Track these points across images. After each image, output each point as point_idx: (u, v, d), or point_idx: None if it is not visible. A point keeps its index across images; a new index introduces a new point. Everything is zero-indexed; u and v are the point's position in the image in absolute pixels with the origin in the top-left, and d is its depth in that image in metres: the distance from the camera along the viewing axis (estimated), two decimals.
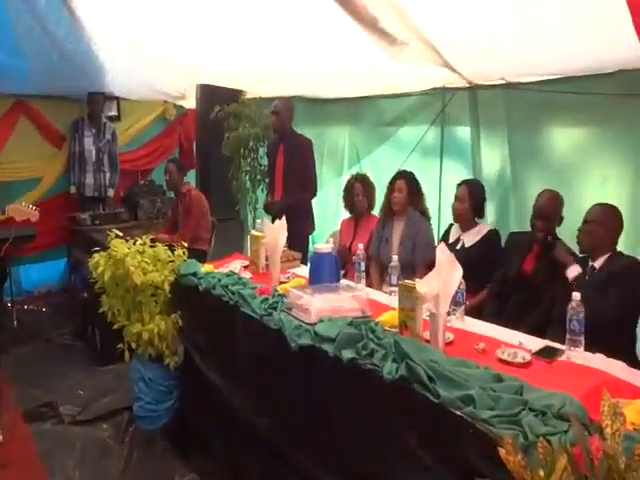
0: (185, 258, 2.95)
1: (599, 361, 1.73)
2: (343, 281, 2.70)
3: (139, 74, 4.90)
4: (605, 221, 2.37)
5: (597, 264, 2.38)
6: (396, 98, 4.26)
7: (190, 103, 5.82)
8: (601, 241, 2.38)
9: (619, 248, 2.45)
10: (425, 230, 3.39)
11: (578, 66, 2.90)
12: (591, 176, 2.94)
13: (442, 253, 1.97)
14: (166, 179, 4.45)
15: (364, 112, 4.61)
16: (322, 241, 3.86)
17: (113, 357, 3.07)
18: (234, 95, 5.23)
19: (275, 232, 2.79)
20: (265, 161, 4.65)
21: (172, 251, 2.94)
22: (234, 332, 2.42)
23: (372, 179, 3.79)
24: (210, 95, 5.23)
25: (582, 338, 1.78)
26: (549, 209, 2.65)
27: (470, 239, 3.05)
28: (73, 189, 5.22)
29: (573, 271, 2.42)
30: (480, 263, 2.87)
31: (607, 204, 2.41)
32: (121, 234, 2.91)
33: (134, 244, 2.84)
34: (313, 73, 4.30)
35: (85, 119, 5.24)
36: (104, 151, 5.28)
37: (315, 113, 5.04)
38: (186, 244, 3.05)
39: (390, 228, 3.45)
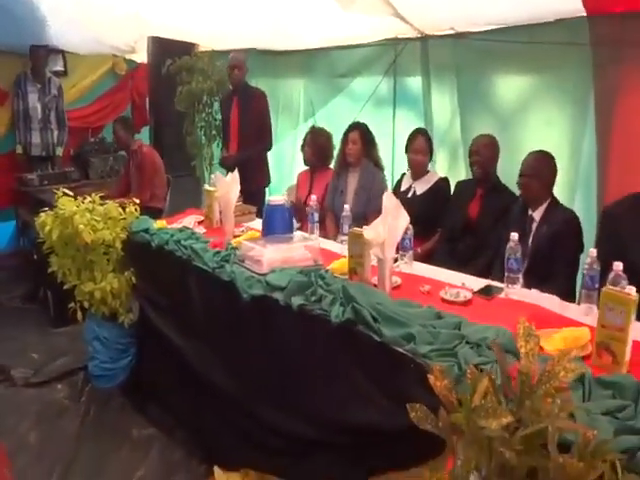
0: (137, 215, 2.91)
1: (534, 296, 1.83)
2: (298, 233, 2.73)
3: (85, 27, 4.64)
4: (539, 172, 2.43)
5: (536, 215, 2.46)
6: (349, 49, 4.20)
7: (141, 57, 5.58)
8: (537, 193, 2.45)
9: (559, 192, 2.54)
10: (379, 181, 3.42)
11: (521, 16, 2.94)
12: (535, 121, 3.01)
13: (388, 200, 2.01)
14: (114, 139, 4.32)
15: (318, 64, 4.54)
16: (279, 194, 3.85)
17: (66, 319, 3.03)
18: (187, 48, 5.04)
19: (227, 186, 2.77)
20: (220, 116, 4.55)
21: (124, 208, 2.89)
22: (188, 287, 2.43)
23: (328, 131, 3.76)
24: (162, 48, 5.03)
25: (520, 276, 1.87)
26: (483, 150, 2.76)
27: (421, 187, 3.10)
28: (19, 148, 4.98)
29: None
30: (431, 210, 2.95)
31: (540, 152, 2.47)
32: (71, 193, 2.83)
33: (83, 202, 2.78)
34: (266, 25, 4.19)
35: (28, 74, 4.96)
36: (50, 107, 5.03)
37: (269, 66, 4.92)
38: (138, 201, 2.99)
39: (345, 179, 3.46)
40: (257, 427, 2.05)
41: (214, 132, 4.75)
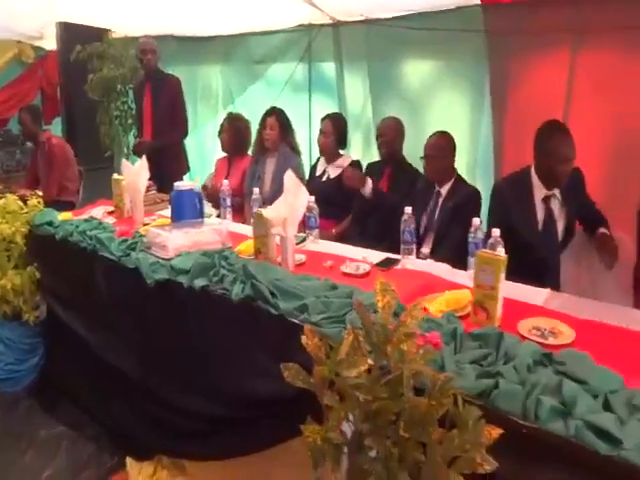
0: (41, 208, 2.78)
1: (427, 265, 1.92)
2: (213, 218, 2.71)
3: None
4: (441, 153, 2.58)
5: (443, 190, 2.60)
6: (265, 36, 4.21)
7: (51, 44, 5.30)
8: (442, 172, 2.61)
9: (462, 171, 2.68)
10: (296, 165, 3.44)
11: (426, 3, 3.05)
12: (438, 105, 3.15)
13: (288, 179, 2.04)
14: (21, 129, 4.09)
15: (235, 50, 4.52)
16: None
17: None
18: (99, 34, 4.83)
19: (135, 173, 2.70)
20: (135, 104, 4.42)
21: (25, 202, 2.76)
22: (94, 278, 2.35)
23: (247, 117, 3.75)
24: (72, 35, 4.79)
25: (414, 247, 1.96)
26: (389, 131, 2.89)
27: (334, 170, 3.17)
28: None
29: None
30: (344, 192, 3.02)
31: (441, 133, 2.61)
32: None
33: None
34: (182, 11, 4.10)
35: None
36: None
37: (187, 52, 4.84)
38: (47, 196, 2.86)
39: (263, 165, 3.48)
40: (166, 412, 2.03)
41: (130, 121, 4.60)
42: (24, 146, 4.82)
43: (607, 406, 1.08)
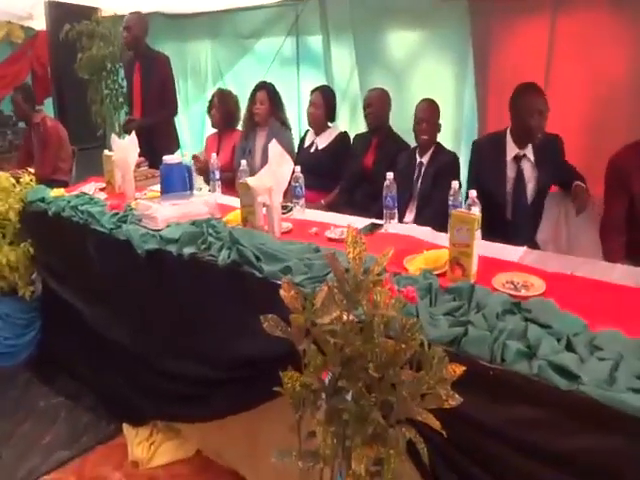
0: (33, 185, 2.82)
1: (410, 229, 1.98)
2: (203, 191, 2.75)
3: None
4: (431, 118, 2.62)
5: (425, 159, 2.64)
6: (252, 10, 4.19)
7: (40, 24, 5.26)
8: (430, 138, 2.63)
9: (447, 139, 2.71)
10: (286, 139, 3.47)
11: None
12: (423, 74, 3.17)
13: (272, 149, 2.08)
14: (14, 110, 4.10)
15: (223, 26, 4.50)
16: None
17: None
18: (88, 13, 4.81)
19: (125, 149, 2.73)
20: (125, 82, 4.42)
21: (18, 180, 2.80)
22: (87, 251, 2.39)
23: (236, 93, 3.76)
24: (61, 14, 4.77)
25: (396, 211, 2.01)
26: (376, 102, 2.91)
27: (323, 142, 3.20)
28: None
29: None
30: (333, 163, 3.06)
31: (429, 100, 2.64)
32: None
33: None
34: None
35: None
36: None
37: (175, 29, 4.82)
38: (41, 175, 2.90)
39: (253, 139, 3.50)
40: (160, 379, 2.08)
41: (121, 100, 4.61)
42: (16, 127, 4.82)
43: (569, 347, 1.14)
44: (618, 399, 0.99)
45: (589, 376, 1.05)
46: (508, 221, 2.28)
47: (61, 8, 4.76)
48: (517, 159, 2.34)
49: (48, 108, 4.94)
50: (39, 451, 2.26)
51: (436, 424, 1.01)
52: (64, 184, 3.81)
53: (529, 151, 2.34)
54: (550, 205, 2.41)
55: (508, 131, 2.37)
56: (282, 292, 1.14)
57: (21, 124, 4.66)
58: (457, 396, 1.00)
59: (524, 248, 1.77)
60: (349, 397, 1.07)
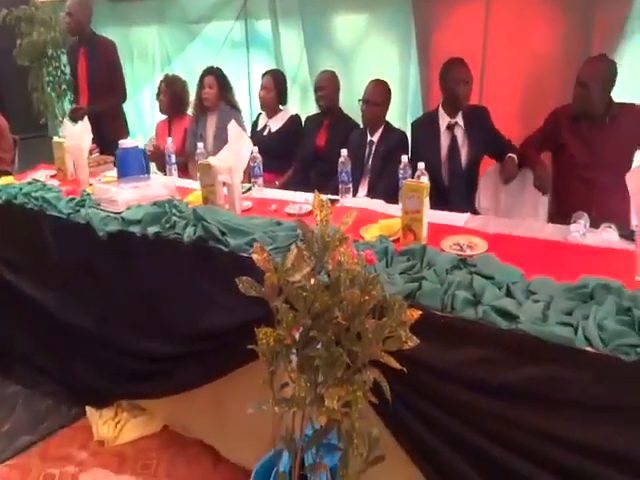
0: None
1: (363, 202, 2.11)
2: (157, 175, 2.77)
3: None
4: (380, 99, 2.76)
5: (375, 138, 2.78)
6: None
7: None
8: (378, 117, 2.79)
9: (394, 118, 2.86)
10: (237, 122, 3.51)
11: None
12: (369, 56, 3.30)
13: (232, 130, 2.14)
14: None
15: (169, 10, 4.45)
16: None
17: None
18: None
19: (77, 135, 2.70)
20: (69, 69, 4.31)
21: None
22: (43, 238, 2.36)
23: (184, 78, 3.76)
24: None
25: (350, 186, 2.13)
26: (327, 84, 3.04)
27: (275, 124, 3.28)
28: None
29: None
30: (285, 145, 3.15)
31: (379, 80, 2.77)
32: None
33: None
34: None
35: None
36: None
37: (119, 13, 4.70)
38: None
39: (204, 124, 3.53)
40: (127, 359, 2.12)
41: (64, 87, 4.50)
42: None
43: (509, 293, 1.30)
44: (549, 331, 1.15)
45: (526, 316, 1.21)
46: (445, 187, 2.50)
47: None
48: (450, 128, 2.59)
49: None
50: None
51: (396, 365, 1.14)
52: (6, 175, 3.71)
53: (460, 119, 2.60)
54: (489, 176, 2.62)
55: (440, 106, 2.64)
56: (255, 255, 1.24)
57: None
58: (415, 338, 1.13)
59: (468, 214, 1.94)
60: (319, 347, 1.18)
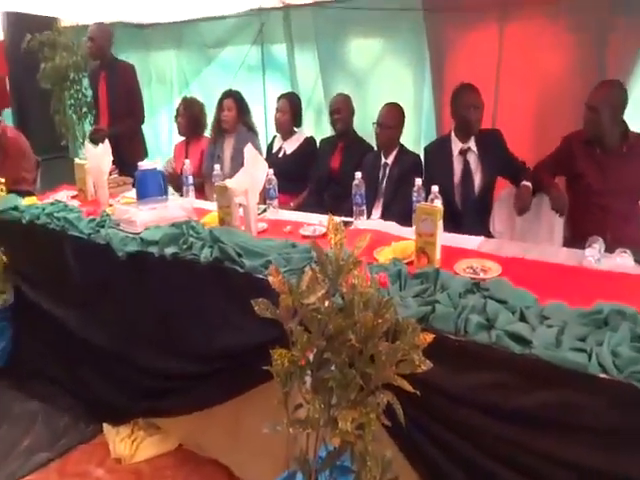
0: (4, 195, 2.83)
1: (377, 224, 2.13)
2: (175, 196, 2.83)
3: None
4: (394, 122, 2.81)
5: (389, 160, 2.82)
6: (217, 20, 4.30)
7: None
8: (392, 140, 2.83)
9: (408, 140, 2.89)
10: (254, 144, 3.58)
11: None
12: (383, 80, 3.37)
13: (248, 152, 2.19)
14: None
15: (188, 35, 4.59)
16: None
17: None
18: (47, 23, 4.80)
19: (98, 157, 2.79)
20: (90, 92, 4.44)
21: None
22: (64, 257, 2.42)
23: (202, 100, 3.86)
24: (20, 24, 4.75)
25: (364, 208, 2.16)
26: (342, 107, 3.10)
27: (290, 146, 3.34)
28: None
29: None
30: (300, 167, 3.20)
31: (393, 104, 2.82)
32: None
33: None
34: None
35: None
36: None
37: (139, 39, 4.87)
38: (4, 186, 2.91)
39: (222, 145, 3.60)
40: (143, 377, 2.15)
41: (85, 109, 4.62)
42: None
43: (522, 318, 1.31)
44: (562, 357, 1.16)
45: (539, 341, 1.21)
46: (458, 211, 2.51)
47: (19, 18, 4.73)
48: (462, 153, 2.60)
49: (7, 120, 4.88)
50: (19, 455, 2.27)
51: (409, 387, 1.15)
52: (29, 194, 3.81)
53: (472, 144, 2.60)
54: (504, 200, 2.63)
55: (452, 131, 2.64)
56: (270, 278, 1.27)
57: None
58: (428, 361, 1.14)
59: (481, 238, 1.96)
60: (333, 368, 1.20)
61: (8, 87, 5.30)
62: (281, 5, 3.89)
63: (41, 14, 4.68)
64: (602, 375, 1.14)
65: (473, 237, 1.98)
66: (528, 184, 2.45)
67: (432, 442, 1.37)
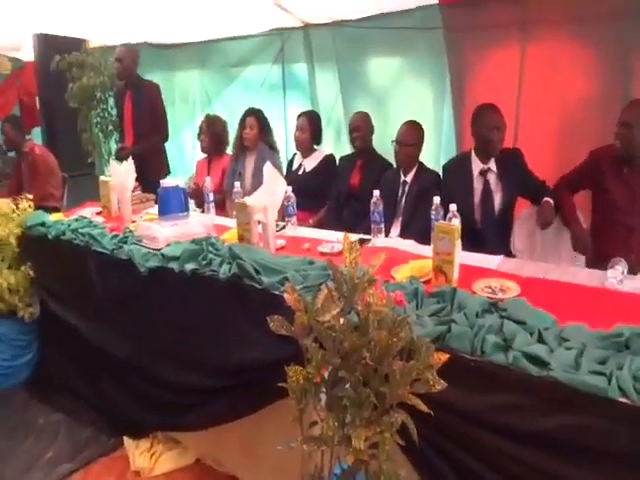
0: (32, 211, 2.92)
1: (395, 242, 2.13)
2: (196, 213, 2.88)
3: None
4: (413, 140, 2.82)
5: (408, 178, 2.83)
6: (239, 40, 4.41)
7: (28, 55, 5.40)
8: (412, 158, 2.85)
9: (428, 158, 2.90)
10: (274, 162, 3.63)
11: (387, 4, 3.29)
12: (403, 98, 3.39)
13: (267, 170, 2.23)
14: (4, 139, 4.20)
15: (210, 55, 4.70)
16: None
17: None
18: (76, 44, 4.99)
19: (122, 174, 2.86)
20: (116, 111, 4.57)
21: (17, 205, 2.90)
22: (88, 272, 2.48)
23: (224, 118, 3.93)
24: (49, 45, 4.93)
25: (382, 226, 2.16)
26: (362, 125, 3.12)
27: (310, 164, 3.37)
28: None
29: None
30: (320, 184, 3.22)
31: (412, 122, 2.84)
32: None
33: None
34: (156, 18, 4.26)
35: None
36: None
37: (163, 59, 5.01)
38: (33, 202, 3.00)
39: (243, 163, 3.65)
40: (162, 391, 2.17)
41: (111, 128, 4.75)
42: (6, 156, 4.91)
43: (541, 339, 1.29)
44: (581, 380, 1.14)
45: (557, 363, 1.20)
46: (478, 230, 2.49)
47: (49, 40, 4.91)
48: (483, 173, 2.58)
49: (36, 138, 5.05)
50: (42, 466, 2.31)
51: (424, 407, 1.14)
52: (56, 210, 3.92)
53: (492, 164, 2.58)
54: (525, 219, 2.61)
55: (472, 150, 2.63)
56: (286, 295, 1.28)
57: (11, 153, 4.75)
58: (442, 381, 1.13)
59: (501, 257, 1.94)
60: (347, 386, 1.20)
61: (38, 106, 5.51)
62: (301, 25, 3.97)
63: (70, 35, 4.88)
64: (622, 399, 1.11)
65: (493, 256, 1.96)
66: (550, 200, 2.43)
67: (446, 462, 1.35)
